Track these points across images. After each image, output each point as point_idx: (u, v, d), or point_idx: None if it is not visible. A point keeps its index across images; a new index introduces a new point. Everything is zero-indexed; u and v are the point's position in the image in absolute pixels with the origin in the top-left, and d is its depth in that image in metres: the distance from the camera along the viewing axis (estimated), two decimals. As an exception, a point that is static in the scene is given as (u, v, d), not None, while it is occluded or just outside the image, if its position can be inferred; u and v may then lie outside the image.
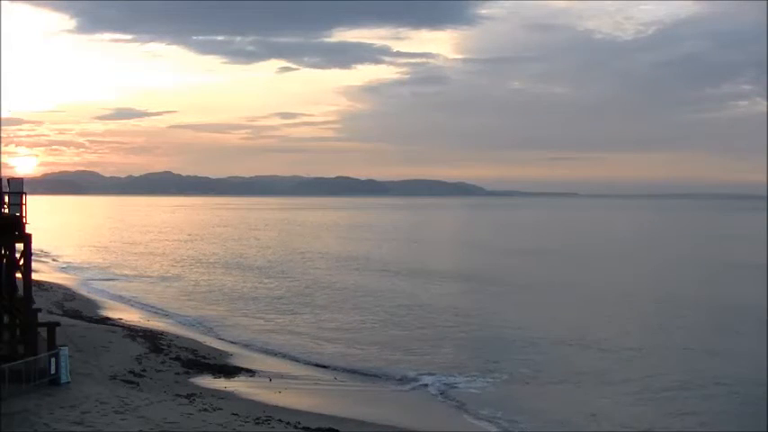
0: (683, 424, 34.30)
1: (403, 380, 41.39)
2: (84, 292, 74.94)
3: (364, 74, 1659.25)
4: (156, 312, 63.99)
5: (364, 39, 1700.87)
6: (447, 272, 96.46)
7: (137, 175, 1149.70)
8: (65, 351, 32.86)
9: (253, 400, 35.39)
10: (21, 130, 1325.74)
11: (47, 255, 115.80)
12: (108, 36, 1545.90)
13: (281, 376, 41.43)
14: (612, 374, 43.13)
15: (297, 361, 46.09)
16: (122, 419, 27.85)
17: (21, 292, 35.50)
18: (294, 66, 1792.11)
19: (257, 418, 30.46)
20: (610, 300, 72.37)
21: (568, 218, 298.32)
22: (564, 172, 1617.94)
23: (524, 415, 34.98)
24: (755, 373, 42.66)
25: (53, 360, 32.12)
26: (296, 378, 41.50)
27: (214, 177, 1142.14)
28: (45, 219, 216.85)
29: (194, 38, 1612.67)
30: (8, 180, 35.64)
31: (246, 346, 50.20)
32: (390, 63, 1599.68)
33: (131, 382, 35.47)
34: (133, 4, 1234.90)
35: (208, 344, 49.44)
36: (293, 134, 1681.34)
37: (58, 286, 76.26)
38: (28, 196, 35.73)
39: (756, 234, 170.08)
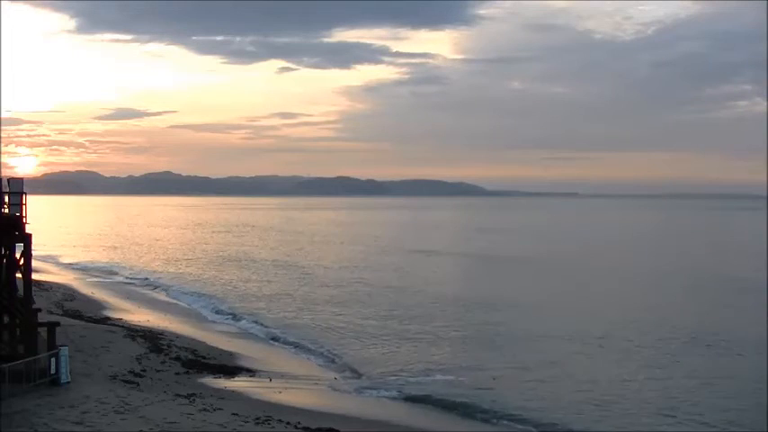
0: (677, 424, 34.36)
1: (398, 380, 41.45)
2: (84, 291, 74.92)
3: (364, 74, 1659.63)
4: (159, 310, 64.01)
5: (364, 39, 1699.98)
6: (442, 277, 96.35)
7: (137, 175, 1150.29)
8: (65, 351, 32.86)
9: (253, 400, 35.41)
10: (21, 130, 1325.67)
11: (39, 247, 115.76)
12: (108, 36, 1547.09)
13: (282, 376, 41.45)
14: (606, 376, 43.16)
15: (298, 360, 46.20)
16: (122, 419, 27.85)
17: (21, 292, 35.50)
18: (294, 66, 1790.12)
19: (257, 418, 30.47)
20: (605, 307, 72.35)
21: (568, 219, 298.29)
22: (564, 172, 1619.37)
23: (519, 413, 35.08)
24: (755, 372, 42.69)
25: (53, 360, 32.13)
26: (296, 378, 41.51)
27: (214, 177, 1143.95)
28: (47, 219, 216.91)
29: (194, 38, 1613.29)
30: (8, 180, 35.65)
31: (247, 342, 50.37)
32: (390, 63, 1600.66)
33: (131, 382, 35.47)
34: (133, 4, 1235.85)
35: (208, 343, 49.46)
36: (293, 134, 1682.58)
37: (58, 286, 76.25)
38: (28, 196, 35.75)
39: (757, 236, 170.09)
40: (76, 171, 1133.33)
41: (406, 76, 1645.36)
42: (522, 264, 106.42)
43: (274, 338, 53.24)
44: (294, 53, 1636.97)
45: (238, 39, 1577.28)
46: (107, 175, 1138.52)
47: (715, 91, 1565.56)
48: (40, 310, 36.44)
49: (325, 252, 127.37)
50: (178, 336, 51.37)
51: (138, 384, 35.33)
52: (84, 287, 79.01)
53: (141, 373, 38.13)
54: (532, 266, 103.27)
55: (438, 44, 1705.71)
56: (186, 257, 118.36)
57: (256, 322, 59.34)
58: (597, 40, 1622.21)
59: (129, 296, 74.39)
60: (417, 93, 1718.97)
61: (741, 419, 34.71)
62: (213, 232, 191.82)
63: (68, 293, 71.17)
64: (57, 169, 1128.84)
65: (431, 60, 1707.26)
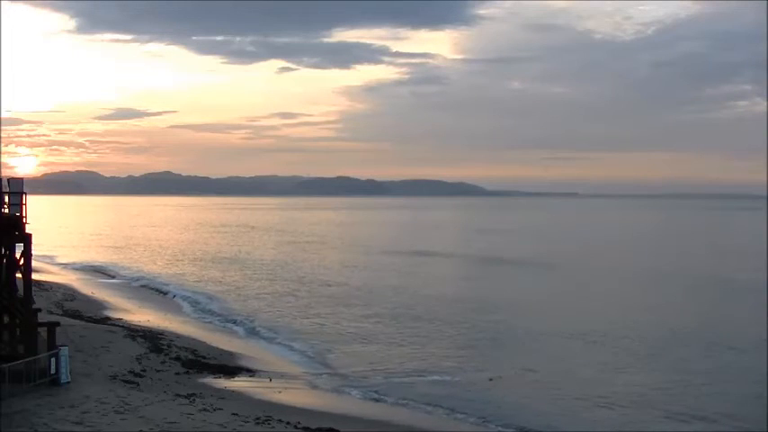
0: (679, 424, 34.37)
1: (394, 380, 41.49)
2: (84, 291, 74.89)
3: (364, 74, 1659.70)
4: (160, 310, 64.00)
5: (364, 39, 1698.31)
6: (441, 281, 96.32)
7: (137, 175, 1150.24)
8: (65, 351, 32.87)
9: (253, 400, 35.43)
10: (21, 130, 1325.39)
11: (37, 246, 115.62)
12: (108, 36, 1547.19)
13: (282, 376, 41.49)
14: (606, 377, 43.16)
15: (296, 360, 46.24)
16: (122, 419, 27.86)
17: (21, 292, 35.50)
18: (294, 66, 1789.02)
19: (257, 418, 30.48)
20: (605, 307, 72.32)
21: (568, 219, 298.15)
22: (564, 172, 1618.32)
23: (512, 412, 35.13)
24: (755, 371, 42.70)
25: (53, 360, 32.14)
26: (296, 378, 41.55)
27: (214, 177, 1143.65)
28: (47, 219, 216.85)
29: (194, 38, 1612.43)
30: (8, 180, 35.65)
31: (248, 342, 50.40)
32: (390, 63, 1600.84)
33: (131, 382, 35.48)
34: (133, 4, 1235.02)
35: (208, 343, 49.47)
36: (293, 134, 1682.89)
37: (58, 286, 76.24)
38: (28, 196, 35.75)
39: (757, 236, 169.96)
40: (76, 171, 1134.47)
41: (406, 76, 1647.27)
42: (522, 264, 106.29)
43: (273, 338, 53.24)
44: (294, 53, 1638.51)
45: (238, 39, 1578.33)
46: (107, 175, 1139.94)
47: (715, 91, 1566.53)
48: (40, 310, 36.45)
49: (325, 252, 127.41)
50: (178, 336, 51.37)
51: (138, 384, 35.34)
52: (85, 287, 78.99)
53: (141, 373, 38.14)
54: (532, 267, 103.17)
55: (438, 44, 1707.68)
56: (186, 257, 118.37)
57: (257, 322, 59.28)
58: (597, 40, 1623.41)
59: (130, 296, 74.39)
60: (417, 93, 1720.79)
61: (742, 419, 34.73)
62: (213, 232, 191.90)
63: (68, 293, 71.15)
64: (57, 169, 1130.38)
65: (431, 60, 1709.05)
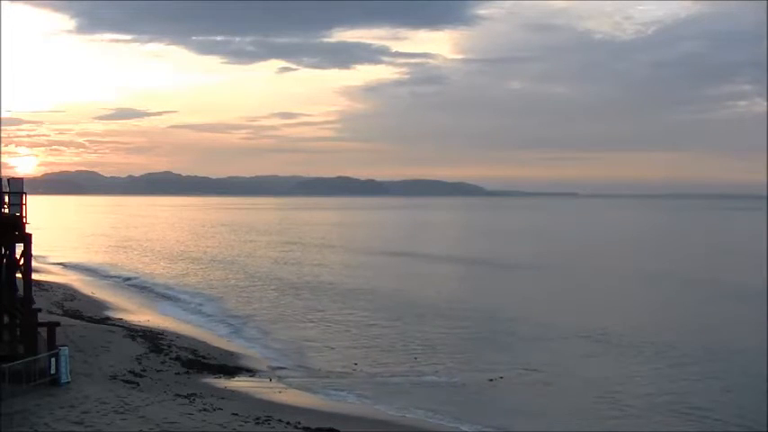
0: (679, 424, 34.38)
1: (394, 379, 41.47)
2: (84, 291, 74.87)
3: (364, 74, 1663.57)
4: (154, 309, 64.00)
5: (363, 39, 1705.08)
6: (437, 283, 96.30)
7: (137, 174, 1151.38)
8: (65, 351, 32.86)
9: (253, 400, 35.42)
10: (21, 130, 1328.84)
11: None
12: (108, 36, 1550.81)
13: (282, 376, 41.49)
14: (607, 378, 43.18)
15: (295, 360, 46.21)
16: (122, 419, 27.85)
17: (21, 292, 35.49)
18: (294, 66, 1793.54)
19: (257, 418, 30.47)
20: (605, 309, 72.28)
21: (567, 219, 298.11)
22: (564, 172, 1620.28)
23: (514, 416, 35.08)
24: (755, 370, 42.70)
25: (53, 360, 32.13)
26: (296, 378, 41.51)
27: (214, 177, 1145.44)
28: (47, 219, 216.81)
29: (194, 38, 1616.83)
30: (8, 180, 35.63)
31: (249, 345, 50.39)
32: (389, 63, 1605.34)
33: (131, 382, 35.48)
34: (133, 4, 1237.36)
35: (208, 343, 49.47)
36: (293, 134, 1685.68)
37: (58, 286, 76.24)
38: (28, 196, 35.73)
39: (757, 236, 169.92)
40: (76, 171, 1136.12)
41: (406, 76, 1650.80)
42: (521, 265, 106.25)
43: (273, 339, 53.20)
44: (294, 53, 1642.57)
45: (238, 39, 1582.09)
46: (107, 175, 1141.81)
47: (715, 91, 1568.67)
48: (40, 310, 36.42)
49: (326, 253, 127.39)
50: (178, 336, 51.37)
51: (138, 384, 35.33)
52: (85, 287, 78.99)
53: (141, 373, 38.13)
54: (532, 267, 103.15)
55: (438, 44, 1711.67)
56: (187, 258, 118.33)
57: (256, 323, 59.34)
58: (597, 40, 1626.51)
59: (130, 296, 74.38)
60: (417, 93, 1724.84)
61: (743, 419, 34.72)
62: (214, 232, 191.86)
63: (68, 293, 71.16)
64: (57, 169, 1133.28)
65: (430, 60, 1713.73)
